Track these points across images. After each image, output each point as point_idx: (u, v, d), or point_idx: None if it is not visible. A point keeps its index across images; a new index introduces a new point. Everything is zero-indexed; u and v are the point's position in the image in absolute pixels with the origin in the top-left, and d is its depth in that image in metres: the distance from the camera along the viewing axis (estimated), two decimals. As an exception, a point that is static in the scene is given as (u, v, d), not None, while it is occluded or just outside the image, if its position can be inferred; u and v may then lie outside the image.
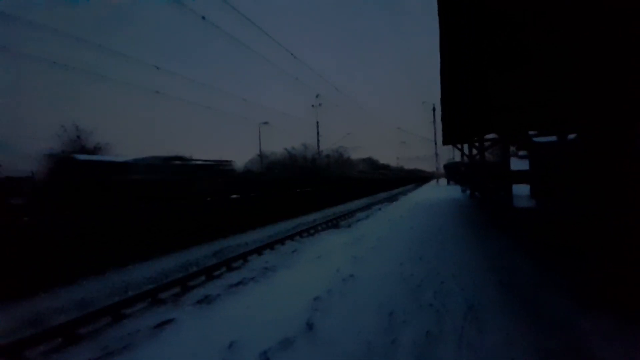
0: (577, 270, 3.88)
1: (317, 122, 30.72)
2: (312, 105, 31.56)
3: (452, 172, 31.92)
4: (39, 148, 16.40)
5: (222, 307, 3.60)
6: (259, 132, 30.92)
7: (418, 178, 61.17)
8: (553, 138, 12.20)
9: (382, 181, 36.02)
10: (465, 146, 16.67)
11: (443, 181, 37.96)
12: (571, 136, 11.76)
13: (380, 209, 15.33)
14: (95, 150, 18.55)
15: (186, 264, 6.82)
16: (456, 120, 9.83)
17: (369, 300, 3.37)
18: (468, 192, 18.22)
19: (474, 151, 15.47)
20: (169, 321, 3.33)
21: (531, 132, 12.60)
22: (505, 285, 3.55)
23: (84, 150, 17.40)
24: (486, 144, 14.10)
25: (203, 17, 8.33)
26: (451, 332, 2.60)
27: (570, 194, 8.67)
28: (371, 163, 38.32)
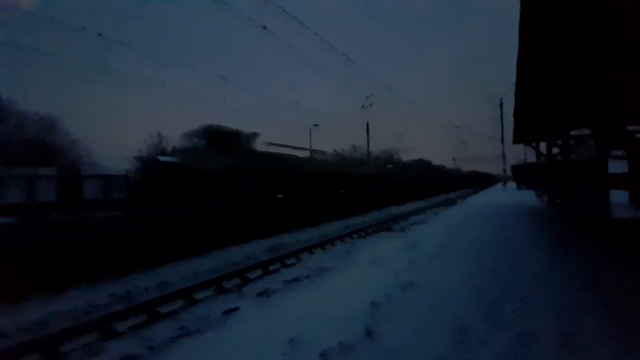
0: None
1: (367, 123, 30.08)
2: (362, 106, 30.93)
3: (523, 175, 27.96)
4: (130, 151, 19.49)
5: (281, 301, 3.70)
6: (310, 134, 31.45)
7: (480, 180, 55.26)
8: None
9: (437, 184, 33.46)
10: (543, 145, 14.45)
11: (512, 185, 33.63)
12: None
13: (436, 213, 14.26)
14: (173, 152, 21.30)
15: (245, 258, 7.27)
16: (535, 113, 8.52)
17: (434, 311, 3.09)
18: (546, 198, 15.78)
19: (555, 150, 13.30)
20: (234, 309, 3.57)
21: (632, 128, 10.27)
22: (609, 309, 2.90)
23: (163, 152, 20.10)
24: (571, 141, 12.00)
25: (264, 27, 8.85)
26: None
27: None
28: (424, 164, 35.88)
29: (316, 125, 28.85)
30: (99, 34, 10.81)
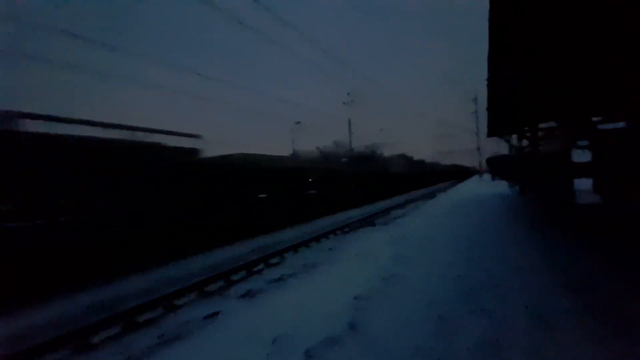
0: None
1: (349, 120, 30.32)
2: (344, 103, 31.11)
3: (497, 167, 29.27)
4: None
5: (265, 301, 3.66)
6: (292, 131, 31.17)
7: (458, 173, 57.31)
8: (620, 125, 10.60)
9: (418, 178, 34.42)
10: (514, 137, 15.24)
11: (487, 176, 35.23)
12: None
13: (418, 207, 14.65)
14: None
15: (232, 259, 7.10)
16: (506, 108, 8.95)
17: (415, 301, 3.18)
18: (517, 188, 16.67)
19: (524, 142, 14.07)
20: (216, 313, 3.49)
21: (595, 119, 11.05)
22: (575, 289, 3.12)
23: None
24: (540, 133, 12.73)
25: (240, 22, 8.65)
26: (514, 340, 2.33)
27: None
28: (405, 159, 36.69)
29: (298, 122, 28.75)
30: (74, 34, 10.06)
